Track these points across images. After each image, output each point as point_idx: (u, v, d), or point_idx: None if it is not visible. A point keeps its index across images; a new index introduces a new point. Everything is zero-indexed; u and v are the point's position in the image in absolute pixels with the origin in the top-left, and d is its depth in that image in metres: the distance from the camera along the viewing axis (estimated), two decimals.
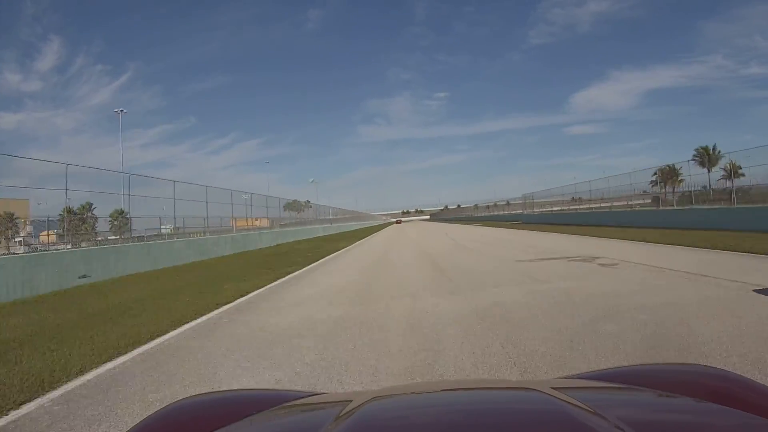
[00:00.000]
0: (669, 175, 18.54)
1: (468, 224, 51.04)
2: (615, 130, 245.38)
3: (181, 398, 1.17)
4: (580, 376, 1.16)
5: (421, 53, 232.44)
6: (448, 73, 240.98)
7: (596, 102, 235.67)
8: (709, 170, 18.25)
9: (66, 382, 3.61)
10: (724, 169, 16.70)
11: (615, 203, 26.35)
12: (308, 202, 43.35)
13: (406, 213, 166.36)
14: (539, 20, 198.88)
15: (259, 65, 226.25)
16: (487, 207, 73.74)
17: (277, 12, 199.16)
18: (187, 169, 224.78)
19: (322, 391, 1.47)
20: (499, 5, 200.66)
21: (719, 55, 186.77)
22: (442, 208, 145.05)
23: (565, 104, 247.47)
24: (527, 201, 46.02)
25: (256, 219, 25.67)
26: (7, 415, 3.03)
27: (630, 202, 23.79)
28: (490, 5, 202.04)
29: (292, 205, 36.43)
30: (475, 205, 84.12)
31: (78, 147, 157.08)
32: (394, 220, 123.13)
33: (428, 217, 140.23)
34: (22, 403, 3.20)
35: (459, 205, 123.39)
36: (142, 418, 1.02)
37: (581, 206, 31.90)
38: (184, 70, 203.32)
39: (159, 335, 5.03)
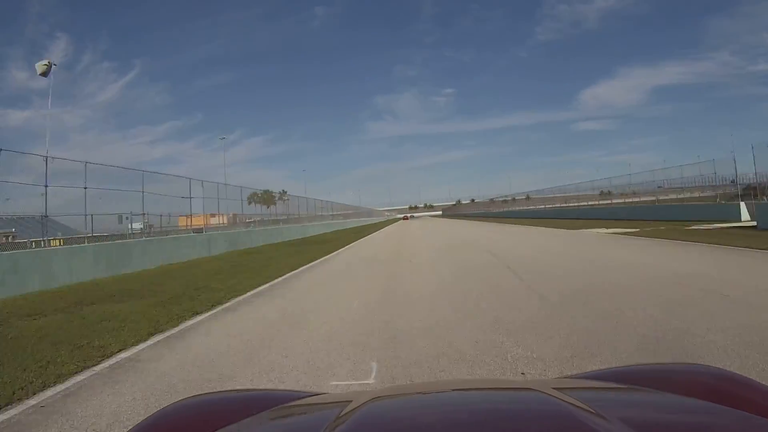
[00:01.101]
0: None
1: (529, 225, 27.35)
2: (622, 126, 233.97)
3: (181, 399, 1.14)
4: (581, 376, 1.19)
5: (427, 50, 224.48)
6: (454, 69, 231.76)
7: (603, 98, 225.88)
8: None
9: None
10: None
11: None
12: (284, 192, 30.73)
13: (414, 208, 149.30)
14: (546, 16, 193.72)
15: (266, 62, 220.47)
16: (504, 201, 66.31)
17: (283, 9, 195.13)
18: (195, 166, 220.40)
19: (322, 392, 1.32)
20: (505, 1, 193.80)
21: (726, 51, 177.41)
22: (454, 202, 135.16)
23: (572, 101, 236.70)
24: (653, 188, 25.10)
25: (212, 215, 18.92)
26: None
27: None
28: (496, 1, 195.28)
29: (262, 197, 26.23)
30: (491, 200, 76.21)
31: (85, 144, 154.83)
32: (401, 216, 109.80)
33: (440, 212, 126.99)
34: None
35: (473, 200, 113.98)
36: (142, 419, 1.03)
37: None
38: (190, 67, 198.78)
39: None
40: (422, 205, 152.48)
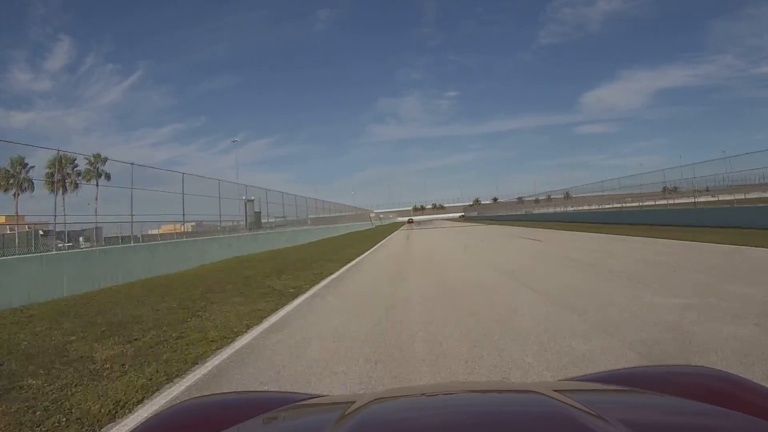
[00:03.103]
0: None
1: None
2: (626, 129, 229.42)
3: (183, 400, 1.13)
4: (581, 378, 1.19)
5: (431, 53, 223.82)
6: (458, 72, 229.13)
7: (607, 101, 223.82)
8: None
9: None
10: None
11: None
12: (100, 158, 12.35)
13: (420, 210, 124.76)
14: (549, 20, 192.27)
15: (269, 65, 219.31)
16: (537, 201, 58.11)
17: (287, 12, 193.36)
18: (198, 168, 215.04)
19: (324, 393, 1.39)
20: (508, 5, 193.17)
21: (730, 54, 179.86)
22: (470, 202, 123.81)
23: (575, 104, 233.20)
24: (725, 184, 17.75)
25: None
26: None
27: None
28: (499, 5, 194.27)
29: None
30: (520, 198, 67.73)
31: (89, 146, 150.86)
32: (405, 219, 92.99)
33: (459, 215, 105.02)
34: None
35: (495, 199, 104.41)
36: (144, 420, 0.97)
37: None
38: (194, 69, 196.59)
39: None
40: (430, 206, 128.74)
